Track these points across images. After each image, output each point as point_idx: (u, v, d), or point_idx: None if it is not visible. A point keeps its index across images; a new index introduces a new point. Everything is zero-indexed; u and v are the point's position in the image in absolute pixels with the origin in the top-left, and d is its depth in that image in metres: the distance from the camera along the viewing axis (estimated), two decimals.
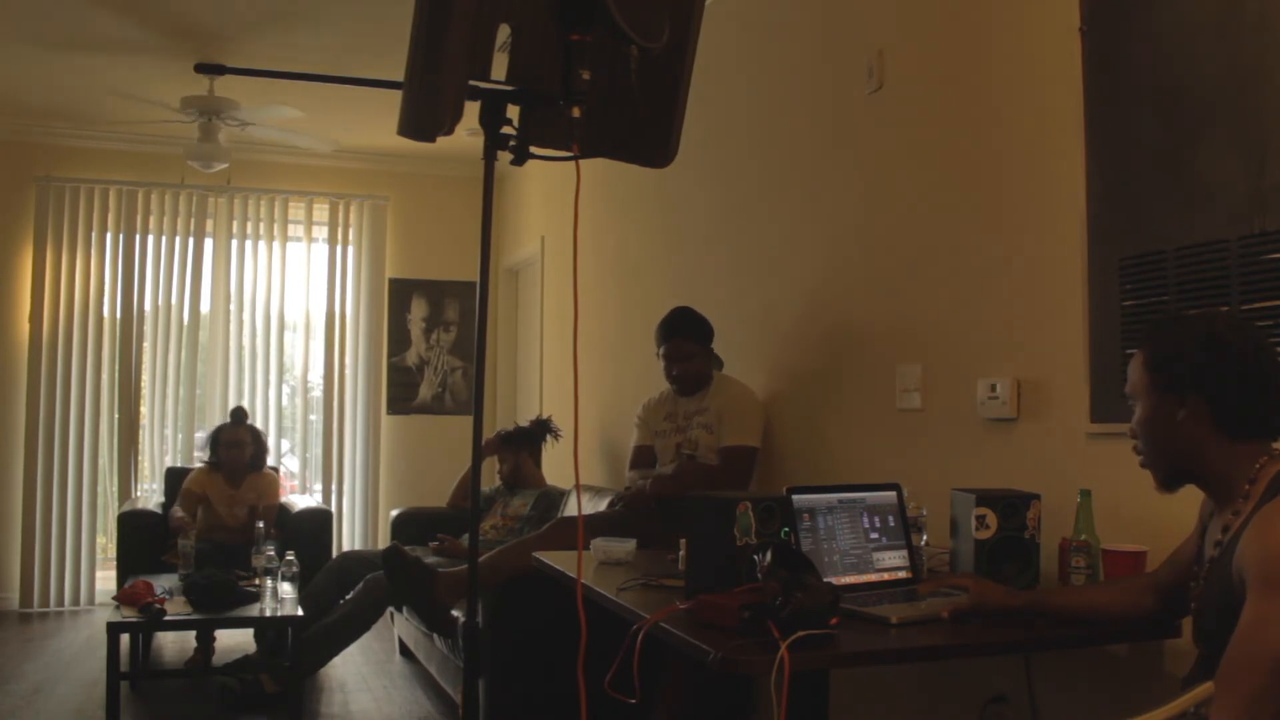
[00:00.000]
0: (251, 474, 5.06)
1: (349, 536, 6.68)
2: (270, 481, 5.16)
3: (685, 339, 3.56)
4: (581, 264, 5.00)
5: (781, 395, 3.54)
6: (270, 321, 6.66)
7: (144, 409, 6.42)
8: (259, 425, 6.30)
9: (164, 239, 6.41)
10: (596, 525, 3.38)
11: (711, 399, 3.54)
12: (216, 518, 4.95)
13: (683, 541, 2.39)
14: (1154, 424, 1.65)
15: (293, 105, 5.19)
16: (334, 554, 5.10)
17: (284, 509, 5.28)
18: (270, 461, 5.42)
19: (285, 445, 6.98)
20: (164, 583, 4.03)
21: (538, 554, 2.77)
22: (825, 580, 1.77)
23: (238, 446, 5.02)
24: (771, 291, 3.62)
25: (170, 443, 6.40)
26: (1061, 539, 2.12)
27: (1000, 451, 2.54)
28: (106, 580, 6.10)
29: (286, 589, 3.82)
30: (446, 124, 1.74)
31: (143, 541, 4.91)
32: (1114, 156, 2.23)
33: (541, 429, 5.08)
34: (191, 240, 6.46)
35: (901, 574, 2.24)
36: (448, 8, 1.68)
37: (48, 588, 6.06)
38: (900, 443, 2.92)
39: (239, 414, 5.16)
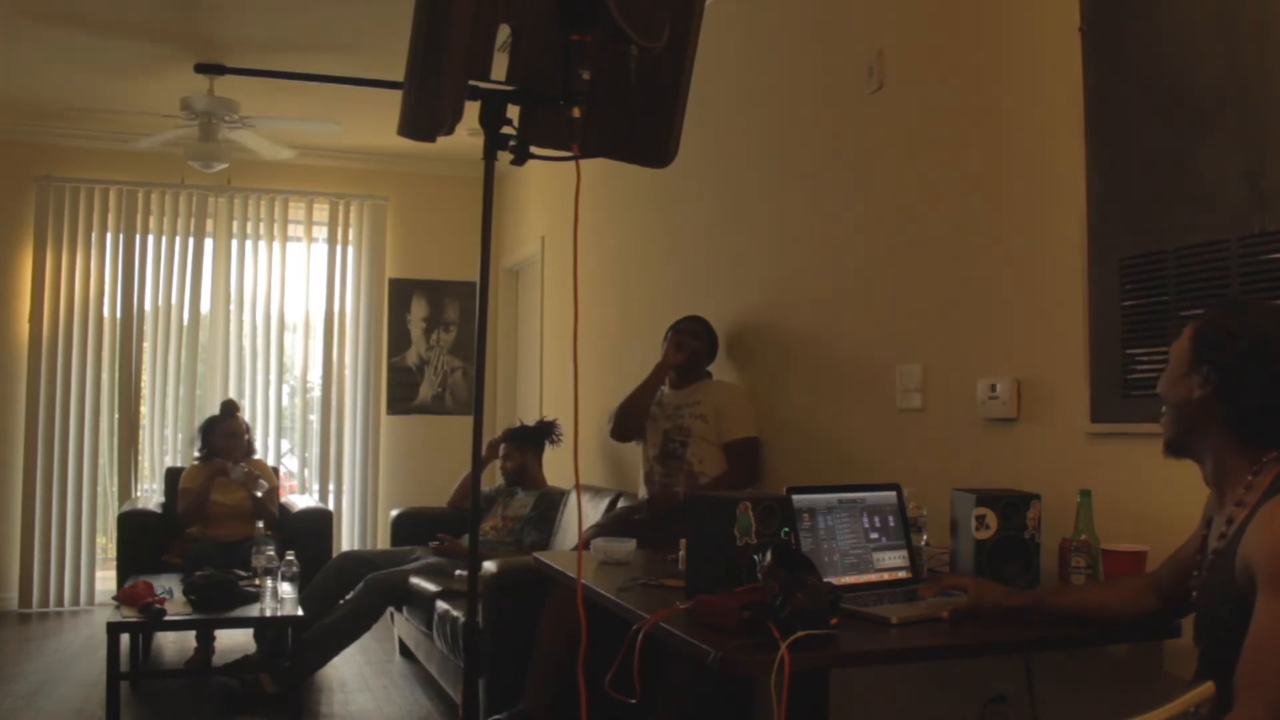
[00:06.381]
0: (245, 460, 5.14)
1: (349, 536, 6.68)
2: (265, 466, 5.27)
3: (696, 322, 3.79)
4: (581, 264, 4.97)
5: (781, 395, 3.54)
6: (270, 321, 6.65)
7: (144, 409, 6.41)
8: (258, 425, 6.40)
9: (164, 239, 6.41)
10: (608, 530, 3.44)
11: (705, 393, 3.67)
12: (215, 509, 4.97)
13: (683, 541, 2.39)
14: (1177, 390, 1.64)
15: (292, 105, 5.20)
16: (334, 554, 5.11)
17: (284, 509, 5.29)
18: (270, 461, 5.43)
19: (285, 445, 6.97)
20: (164, 583, 4.03)
21: (538, 554, 2.78)
22: (825, 580, 1.77)
23: (235, 436, 5.13)
24: (772, 291, 3.62)
25: (170, 443, 6.39)
26: (1061, 539, 2.12)
27: (1000, 451, 2.54)
28: (106, 580, 6.10)
29: (286, 589, 3.82)
30: (446, 124, 1.74)
31: (143, 541, 4.91)
32: (1114, 156, 2.23)
33: (545, 430, 5.07)
34: (191, 240, 6.45)
35: (901, 574, 2.24)
36: (447, 8, 1.68)
37: (48, 588, 6.06)
38: (900, 443, 2.91)
39: (230, 406, 5.28)
